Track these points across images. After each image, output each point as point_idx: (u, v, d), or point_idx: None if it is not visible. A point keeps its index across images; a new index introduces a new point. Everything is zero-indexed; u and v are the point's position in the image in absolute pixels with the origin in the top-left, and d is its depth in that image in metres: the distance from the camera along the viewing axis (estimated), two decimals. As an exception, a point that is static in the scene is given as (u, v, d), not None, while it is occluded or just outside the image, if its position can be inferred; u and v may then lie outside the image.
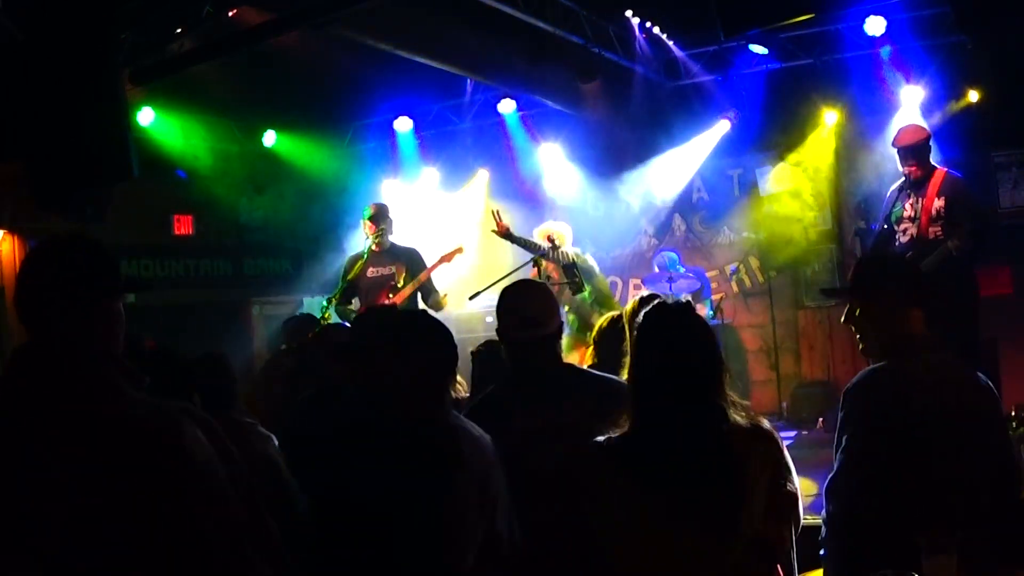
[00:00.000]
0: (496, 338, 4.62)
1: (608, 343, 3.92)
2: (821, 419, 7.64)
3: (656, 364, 2.28)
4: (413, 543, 2.38)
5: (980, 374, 2.82)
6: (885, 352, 2.73)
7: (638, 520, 2.19)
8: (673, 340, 2.29)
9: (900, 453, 2.54)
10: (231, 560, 1.85)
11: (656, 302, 2.43)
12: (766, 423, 2.33)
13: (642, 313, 2.41)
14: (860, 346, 2.83)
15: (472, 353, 4.42)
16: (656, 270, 8.76)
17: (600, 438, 2.31)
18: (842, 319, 2.85)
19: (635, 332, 2.37)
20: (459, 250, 7.22)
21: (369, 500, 2.44)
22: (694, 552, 2.15)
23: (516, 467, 2.67)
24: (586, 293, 7.04)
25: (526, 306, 2.99)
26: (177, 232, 9.42)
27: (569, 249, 7.28)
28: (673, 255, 8.83)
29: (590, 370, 3.17)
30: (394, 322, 2.89)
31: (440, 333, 2.66)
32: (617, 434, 2.31)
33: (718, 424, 2.21)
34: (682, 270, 8.70)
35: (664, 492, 2.17)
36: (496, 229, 7.28)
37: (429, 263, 7.13)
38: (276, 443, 3.28)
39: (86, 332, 1.94)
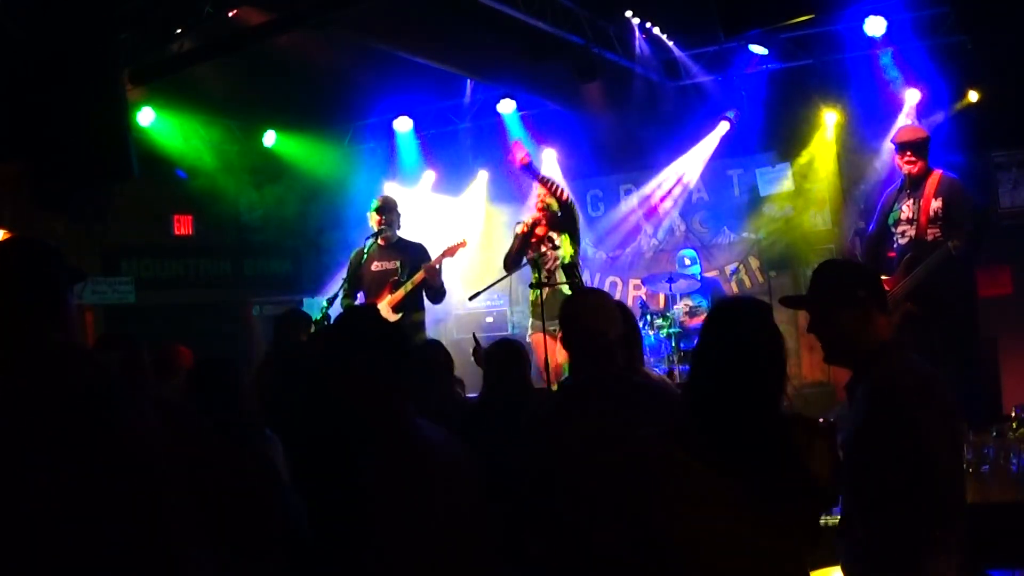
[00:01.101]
0: (504, 337, 4.63)
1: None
2: (821, 420, 7.62)
3: (726, 358, 2.26)
4: (336, 549, 2.38)
5: (938, 372, 2.81)
6: (855, 361, 2.72)
7: (713, 510, 2.18)
8: (745, 335, 2.28)
9: (910, 457, 2.53)
10: (155, 545, 1.89)
11: (731, 297, 2.45)
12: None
13: (713, 307, 2.46)
14: (824, 354, 2.80)
15: (484, 354, 4.42)
16: (676, 267, 8.74)
17: (658, 430, 2.31)
18: (807, 328, 2.82)
19: (705, 325, 2.38)
20: (462, 244, 7.18)
21: (317, 507, 2.45)
22: (765, 538, 2.15)
23: (577, 474, 2.68)
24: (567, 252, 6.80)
25: (586, 315, 3.04)
26: (177, 232, 9.42)
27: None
28: (692, 252, 8.82)
29: (650, 382, 3.18)
30: (334, 330, 2.86)
31: (381, 337, 2.60)
32: (671, 426, 2.33)
33: (782, 417, 2.23)
34: (698, 269, 8.69)
35: (737, 481, 2.17)
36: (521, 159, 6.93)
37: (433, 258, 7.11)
38: (279, 447, 3.28)
39: (48, 324, 1.98)
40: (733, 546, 2.15)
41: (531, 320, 6.90)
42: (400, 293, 6.78)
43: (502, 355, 4.28)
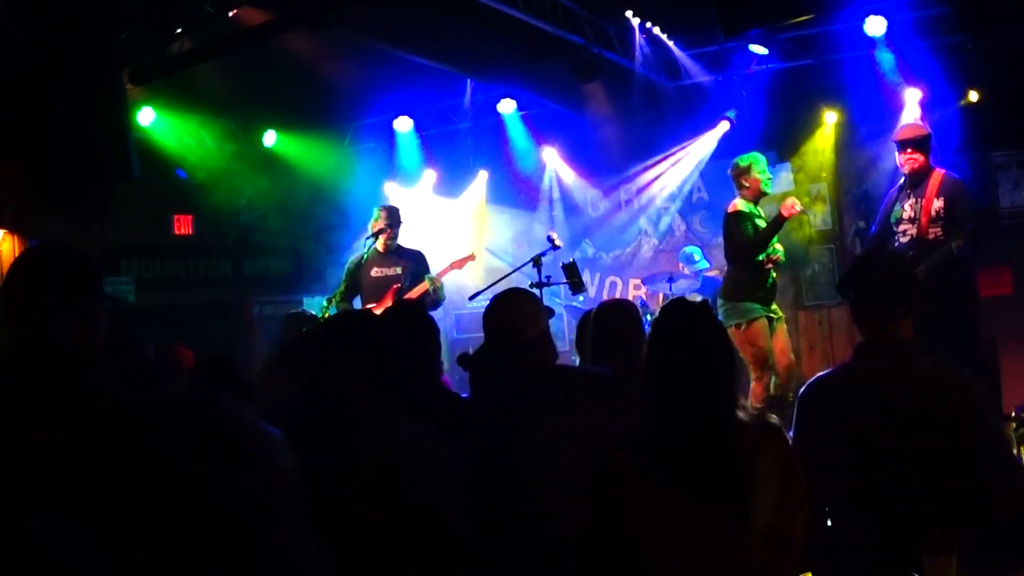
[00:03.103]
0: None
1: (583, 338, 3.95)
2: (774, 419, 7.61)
3: (668, 361, 2.30)
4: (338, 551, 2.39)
5: (967, 372, 2.80)
6: (869, 352, 2.76)
7: (650, 514, 2.20)
8: (686, 338, 2.31)
9: (859, 455, 2.56)
10: None
11: (673, 299, 2.48)
12: (774, 418, 2.35)
13: (658, 310, 2.46)
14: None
15: (460, 358, 4.40)
16: (681, 264, 8.75)
17: (610, 433, 2.33)
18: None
19: (650, 329, 2.42)
20: (471, 257, 7.25)
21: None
22: (707, 546, 2.17)
23: (529, 477, 2.67)
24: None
25: (502, 316, 3.03)
26: (177, 232, 9.42)
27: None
28: (698, 248, 8.83)
29: (578, 367, 3.19)
30: (327, 328, 2.88)
31: (367, 337, 2.63)
32: (627, 429, 2.33)
33: (727, 421, 2.23)
34: (707, 264, 8.70)
35: (675, 487, 2.19)
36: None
37: (433, 264, 7.13)
38: (283, 444, 3.27)
39: (63, 334, 1.97)
40: (687, 557, 2.17)
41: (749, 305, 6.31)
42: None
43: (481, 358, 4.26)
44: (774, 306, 6.51)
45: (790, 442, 2.35)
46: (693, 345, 2.28)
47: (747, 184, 6.46)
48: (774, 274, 6.38)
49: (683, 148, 9.28)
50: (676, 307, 2.42)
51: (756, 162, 6.49)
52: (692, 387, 2.23)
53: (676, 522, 2.18)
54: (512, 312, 3.06)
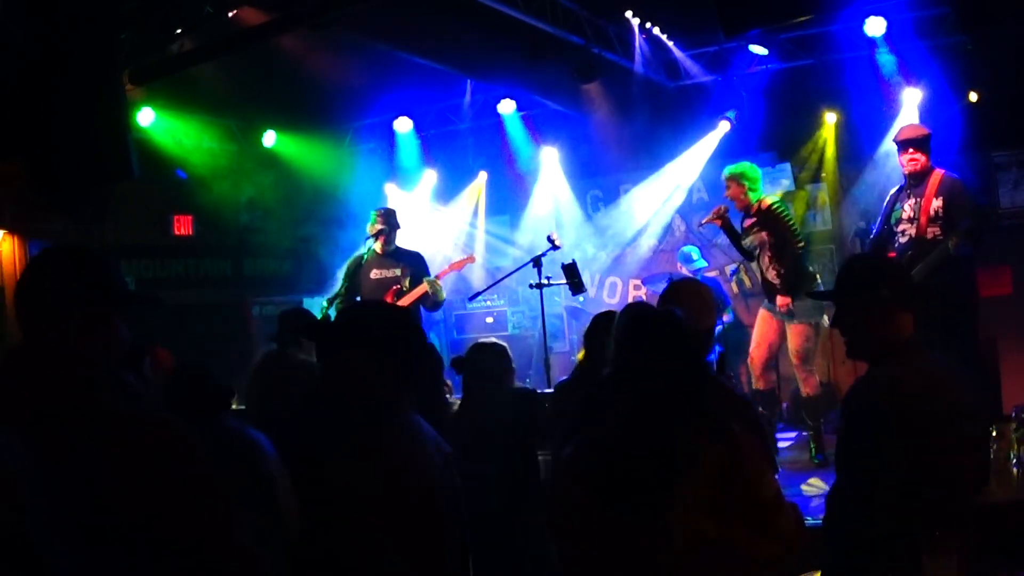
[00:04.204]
0: (486, 342, 4.57)
1: (596, 340, 3.92)
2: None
3: (621, 365, 2.34)
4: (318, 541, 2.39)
5: (958, 372, 2.80)
6: (874, 355, 2.70)
7: (581, 525, 2.24)
8: (635, 344, 2.34)
9: (908, 457, 2.51)
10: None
11: (630, 306, 2.50)
12: (735, 427, 2.30)
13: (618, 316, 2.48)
14: (846, 348, 2.80)
15: (455, 360, 4.39)
16: (680, 264, 8.75)
17: (567, 462, 2.38)
18: (830, 323, 2.83)
19: (616, 340, 2.43)
20: (470, 259, 7.26)
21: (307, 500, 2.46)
22: (632, 556, 2.18)
23: None
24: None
25: (679, 300, 3.02)
26: (177, 232, 9.42)
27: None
28: (696, 248, 8.84)
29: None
30: (345, 318, 2.84)
31: (390, 330, 2.61)
32: (587, 435, 2.37)
33: (665, 423, 2.23)
34: (704, 263, 8.70)
35: (598, 496, 2.21)
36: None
37: (433, 266, 7.13)
38: (269, 451, 3.26)
39: (66, 338, 1.98)
40: (611, 558, 2.18)
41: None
42: (404, 303, 6.77)
43: (481, 360, 4.26)
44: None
45: (753, 451, 2.29)
46: (637, 349, 2.32)
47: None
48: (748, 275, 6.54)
49: (683, 148, 9.28)
50: (626, 313, 2.46)
51: (725, 175, 6.63)
52: (637, 391, 2.26)
53: (601, 532, 2.20)
54: (692, 298, 3.01)
